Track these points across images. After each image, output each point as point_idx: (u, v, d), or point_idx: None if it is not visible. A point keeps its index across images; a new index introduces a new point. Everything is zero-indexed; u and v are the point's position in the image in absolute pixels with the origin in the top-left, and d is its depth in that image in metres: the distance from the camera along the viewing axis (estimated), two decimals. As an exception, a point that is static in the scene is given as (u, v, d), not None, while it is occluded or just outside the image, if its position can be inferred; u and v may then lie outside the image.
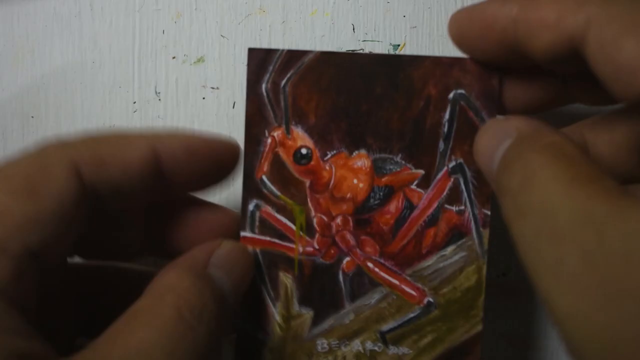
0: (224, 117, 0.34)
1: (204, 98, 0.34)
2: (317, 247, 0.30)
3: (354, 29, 0.32)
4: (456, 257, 0.29)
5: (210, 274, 0.25)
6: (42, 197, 0.22)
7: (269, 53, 0.29)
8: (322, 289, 0.30)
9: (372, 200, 0.30)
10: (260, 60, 0.29)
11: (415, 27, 0.32)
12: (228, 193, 0.32)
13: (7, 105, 0.34)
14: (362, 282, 0.30)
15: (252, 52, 0.29)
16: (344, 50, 0.33)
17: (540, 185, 0.20)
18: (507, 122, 0.25)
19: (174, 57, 0.34)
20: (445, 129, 0.29)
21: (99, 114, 0.34)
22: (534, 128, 0.24)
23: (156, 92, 0.34)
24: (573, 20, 0.22)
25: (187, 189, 0.28)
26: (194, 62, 0.34)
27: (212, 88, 0.34)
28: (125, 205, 0.26)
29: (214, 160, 0.27)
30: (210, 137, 0.27)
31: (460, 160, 0.29)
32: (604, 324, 0.17)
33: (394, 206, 0.30)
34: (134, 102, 0.34)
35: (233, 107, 0.34)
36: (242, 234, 0.30)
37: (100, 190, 0.24)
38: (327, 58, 0.29)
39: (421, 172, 0.29)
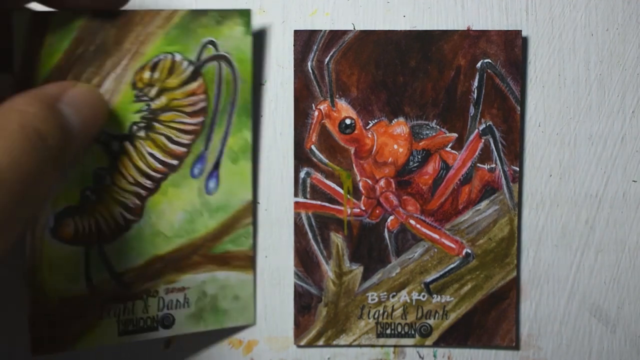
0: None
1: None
2: (363, 208, 0.33)
3: (354, 29, 0.32)
4: (490, 211, 0.33)
5: (60, 108, 0.26)
6: None
7: (312, 34, 0.32)
8: (369, 246, 0.33)
9: (411, 163, 0.33)
10: (305, 41, 0.32)
11: (415, 27, 0.32)
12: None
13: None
14: (405, 238, 0.33)
15: (297, 33, 0.32)
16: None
17: None
18: None
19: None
20: (475, 95, 0.32)
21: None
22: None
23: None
24: None
25: None
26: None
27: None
28: None
29: None
30: None
31: (490, 122, 0.32)
32: None
33: (431, 167, 0.33)
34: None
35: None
36: (295, 199, 0.33)
37: None
38: (365, 36, 0.32)
39: (454, 135, 0.32)
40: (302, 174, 0.33)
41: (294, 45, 0.32)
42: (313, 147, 0.32)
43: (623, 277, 0.33)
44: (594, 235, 0.33)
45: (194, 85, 0.31)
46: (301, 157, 0.32)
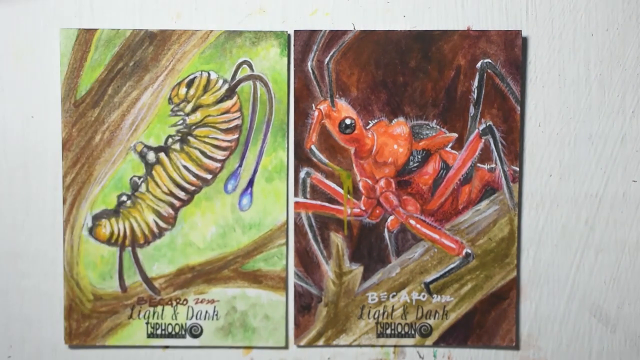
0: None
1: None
2: (363, 208, 0.33)
3: (354, 29, 0.32)
4: (490, 211, 0.33)
5: None
6: None
7: (312, 34, 0.32)
8: (369, 246, 0.33)
9: (411, 163, 0.33)
10: (305, 41, 0.32)
11: (415, 27, 0.32)
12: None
13: (7, 105, 0.33)
14: (405, 238, 0.33)
15: (297, 33, 0.32)
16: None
17: None
18: None
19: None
20: (475, 95, 0.32)
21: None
22: None
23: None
24: None
25: None
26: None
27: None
28: None
29: None
30: None
31: (490, 122, 0.32)
32: None
33: (431, 167, 0.33)
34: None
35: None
36: (295, 199, 0.33)
37: None
38: (365, 36, 0.32)
39: (454, 135, 0.32)
40: (302, 174, 0.33)
41: (294, 46, 0.32)
42: (313, 147, 0.32)
43: (623, 277, 0.33)
44: (594, 235, 0.33)
45: (228, 104, 0.32)
46: (301, 157, 0.32)
